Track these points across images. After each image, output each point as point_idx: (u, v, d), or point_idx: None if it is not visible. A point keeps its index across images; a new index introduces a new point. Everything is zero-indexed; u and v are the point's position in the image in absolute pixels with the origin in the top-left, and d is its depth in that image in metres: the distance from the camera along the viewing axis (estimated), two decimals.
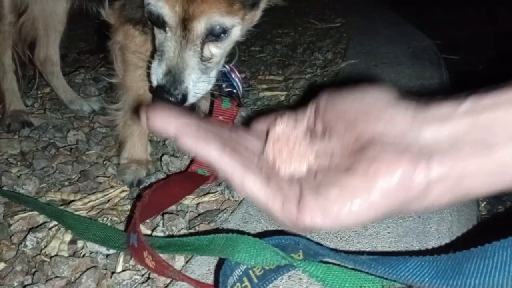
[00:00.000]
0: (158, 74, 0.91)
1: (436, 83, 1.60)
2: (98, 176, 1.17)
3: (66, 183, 1.15)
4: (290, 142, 0.71)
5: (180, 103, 0.90)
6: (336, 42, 2.33)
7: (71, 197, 1.08)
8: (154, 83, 0.92)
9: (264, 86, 1.75)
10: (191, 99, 0.92)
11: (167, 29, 0.90)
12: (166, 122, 0.67)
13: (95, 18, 1.11)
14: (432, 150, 0.63)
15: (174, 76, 0.90)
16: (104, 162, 1.23)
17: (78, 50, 2.22)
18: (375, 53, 1.98)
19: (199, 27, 0.88)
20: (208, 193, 1.05)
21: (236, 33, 0.93)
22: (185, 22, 0.87)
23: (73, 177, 1.18)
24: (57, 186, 1.14)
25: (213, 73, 0.96)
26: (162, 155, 1.20)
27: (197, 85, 0.92)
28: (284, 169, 0.69)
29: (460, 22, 2.91)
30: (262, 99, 1.63)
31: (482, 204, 1.28)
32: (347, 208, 0.63)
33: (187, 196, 1.04)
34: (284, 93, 1.67)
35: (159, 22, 0.90)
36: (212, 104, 1.14)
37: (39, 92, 1.67)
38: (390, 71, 1.71)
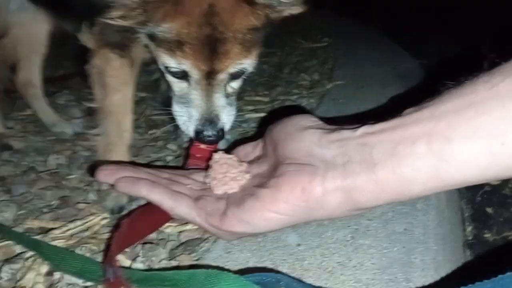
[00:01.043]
0: (193, 122, 0.99)
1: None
2: (78, 203, 1.14)
3: (45, 210, 1.12)
4: (223, 168, 0.91)
5: (221, 138, 1.00)
6: (323, 62, 2.33)
7: (50, 225, 1.05)
8: (192, 131, 1.00)
9: (250, 107, 1.74)
10: (227, 131, 1.02)
11: (191, 81, 0.96)
12: (108, 176, 0.92)
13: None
14: (328, 166, 0.76)
15: (209, 119, 0.98)
16: (85, 188, 1.20)
17: (64, 70, 2.20)
18: (361, 74, 1.99)
19: (224, 76, 0.96)
20: None
21: (252, 66, 1.00)
22: (210, 75, 0.95)
23: (53, 203, 1.15)
24: (35, 213, 1.11)
25: (235, 101, 1.04)
26: None
27: (229, 117, 1.01)
28: (218, 189, 0.89)
29: (446, 41, 2.94)
30: (248, 121, 1.62)
31: (468, 229, 1.27)
32: (258, 216, 0.79)
33: (169, 224, 1.02)
34: (268, 110, 1.66)
35: (181, 76, 0.97)
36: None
37: (20, 114, 1.65)
38: (377, 93, 1.71)
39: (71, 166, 1.30)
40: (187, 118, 1.00)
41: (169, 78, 1.00)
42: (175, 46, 0.91)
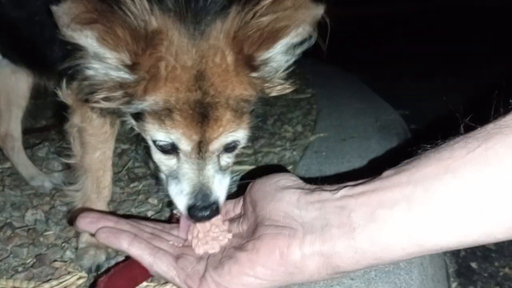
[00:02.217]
0: (185, 197, 0.91)
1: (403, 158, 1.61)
2: (55, 261, 1.10)
3: (20, 269, 1.08)
4: (205, 228, 0.90)
5: (216, 213, 0.91)
6: (306, 113, 2.36)
7: (24, 285, 1.02)
8: (183, 206, 0.92)
9: None
10: (221, 205, 0.93)
11: (180, 154, 0.91)
12: (89, 224, 0.91)
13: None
14: (307, 229, 0.76)
15: (201, 193, 0.90)
16: (63, 244, 1.17)
17: (45, 120, 2.19)
18: (344, 126, 2.00)
19: (216, 146, 0.90)
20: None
21: (245, 139, 0.95)
22: (201, 145, 0.88)
23: (28, 261, 1.11)
24: (10, 272, 1.07)
25: (229, 173, 0.97)
26: None
27: (222, 190, 0.93)
28: (198, 249, 0.88)
29: (427, 92, 3.01)
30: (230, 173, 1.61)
31: (453, 286, 1.26)
32: (236, 281, 0.78)
33: (147, 283, 0.99)
34: (253, 167, 1.65)
35: (170, 150, 0.91)
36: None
37: None
38: (358, 145, 1.72)
39: (48, 222, 1.27)
40: (179, 193, 0.93)
41: (157, 156, 0.94)
42: (164, 115, 0.85)
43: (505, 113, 0.66)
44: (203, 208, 0.89)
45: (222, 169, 0.94)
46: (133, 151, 1.76)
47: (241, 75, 0.87)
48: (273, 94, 0.95)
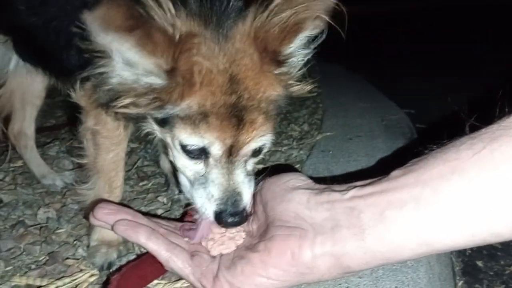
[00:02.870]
0: (214, 202, 0.90)
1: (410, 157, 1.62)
2: (67, 258, 1.12)
3: (33, 266, 1.10)
4: (222, 229, 0.91)
5: (246, 219, 0.90)
6: (312, 112, 2.37)
7: (37, 282, 1.04)
8: (212, 212, 0.90)
9: None
10: (250, 209, 0.92)
11: (210, 159, 0.89)
12: (106, 216, 0.90)
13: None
14: (317, 230, 0.77)
15: (232, 198, 0.89)
16: (75, 242, 1.19)
17: (55, 119, 2.21)
18: (350, 125, 2.02)
19: (247, 150, 0.89)
20: (180, 278, 1.01)
21: (271, 142, 0.94)
22: (232, 149, 0.88)
23: (41, 259, 1.13)
24: (23, 269, 1.09)
25: (253, 179, 0.95)
26: None
27: (250, 195, 0.92)
28: (214, 251, 0.88)
29: (432, 91, 3.01)
30: None
31: (459, 284, 1.27)
32: (249, 282, 0.79)
33: (158, 281, 1.01)
34: (261, 166, 1.66)
35: (198, 156, 0.90)
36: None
37: (11, 166, 1.64)
38: (365, 144, 1.73)
39: (60, 220, 1.29)
40: (205, 200, 0.91)
41: (182, 161, 0.92)
42: (199, 119, 0.84)
43: (510, 113, 0.67)
44: (234, 214, 0.88)
45: (248, 174, 0.94)
46: (142, 150, 1.78)
47: (269, 75, 0.88)
48: (295, 93, 0.95)
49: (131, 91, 0.84)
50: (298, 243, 0.77)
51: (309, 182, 0.90)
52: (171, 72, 0.81)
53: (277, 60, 0.88)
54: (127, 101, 0.84)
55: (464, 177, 0.64)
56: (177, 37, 0.79)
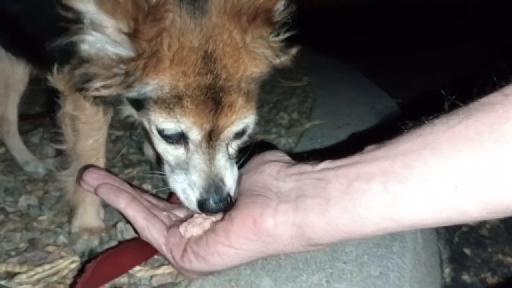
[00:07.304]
0: (197, 190, 0.87)
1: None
2: (48, 245, 1.10)
3: (13, 253, 1.08)
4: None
5: (231, 206, 0.85)
6: (302, 101, 2.35)
7: (17, 269, 1.02)
8: (194, 200, 0.88)
9: None
10: (233, 194, 0.89)
11: (189, 144, 0.86)
12: (94, 180, 0.92)
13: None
14: (281, 199, 0.76)
15: (214, 184, 0.86)
16: (56, 229, 1.17)
17: (39, 107, 2.17)
18: (339, 113, 2.00)
19: (228, 134, 0.86)
20: (162, 264, 1.00)
21: (253, 123, 0.90)
22: (212, 134, 0.84)
23: (21, 246, 1.11)
24: (2, 256, 1.07)
25: (235, 162, 0.93)
26: (117, 222, 1.15)
27: (234, 180, 0.89)
28: (185, 233, 0.86)
29: (421, 80, 3.00)
30: None
31: (446, 271, 1.26)
32: (212, 250, 0.79)
33: (141, 267, 0.99)
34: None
35: (177, 140, 0.87)
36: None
37: None
38: (354, 133, 1.71)
39: (42, 207, 1.27)
40: (187, 186, 0.88)
41: (162, 146, 0.89)
42: (173, 102, 0.80)
43: (491, 93, 0.65)
44: (217, 201, 0.85)
45: (230, 158, 0.90)
46: (128, 138, 1.75)
47: (251, 50, 0.84)
48: (279, 65, 0.92)
49: (99, 61, 0.80)
50: (260, 210, 0.76)
51: (285, 157, 0.88)
52: (134, 36, 0.76)
53: (272, 21, 0.83)
54: (98, 83, 0.80)
55: (435, 151, 0.62)
56: (146, 3, 0.74)
